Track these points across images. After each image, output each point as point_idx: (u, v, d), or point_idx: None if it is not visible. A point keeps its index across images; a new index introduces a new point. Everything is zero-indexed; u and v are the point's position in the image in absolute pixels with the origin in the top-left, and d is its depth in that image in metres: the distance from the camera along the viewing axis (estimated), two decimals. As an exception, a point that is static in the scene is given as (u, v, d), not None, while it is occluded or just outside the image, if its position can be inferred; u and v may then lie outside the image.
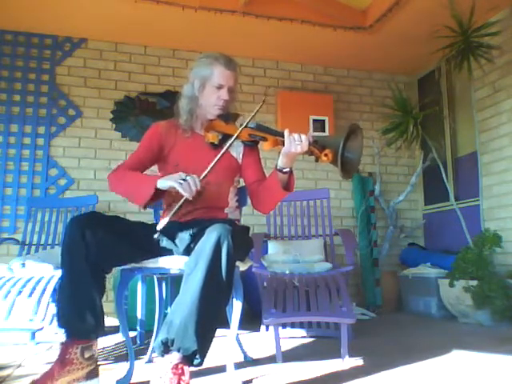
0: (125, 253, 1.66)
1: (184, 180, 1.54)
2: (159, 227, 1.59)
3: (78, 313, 1.52)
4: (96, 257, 1.53)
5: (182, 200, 1.57)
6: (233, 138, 1.70)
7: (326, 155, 1.58)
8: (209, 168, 1.62)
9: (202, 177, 1.60)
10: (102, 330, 1.58)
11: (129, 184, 1.71)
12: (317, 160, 1.63)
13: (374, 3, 3.68)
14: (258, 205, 1.86)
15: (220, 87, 1.82)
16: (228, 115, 1.84)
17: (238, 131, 1.70)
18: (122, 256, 1.66)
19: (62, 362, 1.47)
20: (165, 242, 1.74)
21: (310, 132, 1.65)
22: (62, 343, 1.51)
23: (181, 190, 1.53)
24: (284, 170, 1.67)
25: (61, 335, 1.54)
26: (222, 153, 1.66)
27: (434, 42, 3.41)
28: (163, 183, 1.59)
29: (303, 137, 1.59)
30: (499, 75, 3.67)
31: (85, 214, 1.67)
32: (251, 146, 1.86)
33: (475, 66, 3.48)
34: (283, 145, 1.62)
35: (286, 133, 1.60)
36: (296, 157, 1.65)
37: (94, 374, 1.55)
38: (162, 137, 1.88)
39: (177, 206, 1.59)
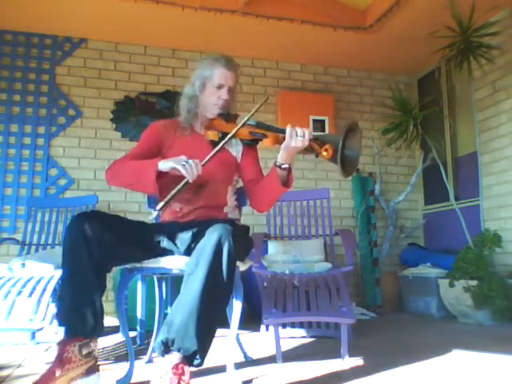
0: (126, 251, 1.67)
1: (186, 162, 1.54)
2: (158, 208, 1.56)
3: (78, 311, 1.52)
4: (97, 255, 1.53)
5: (183, 182, 1.55)
6: (232, 133, 1.68)
7: (326, 150, 1.57)
8: (210, 155, 1.61)
9: (203, 162, 1.58)
10: (101, 329, 1.58)
11: (130, 172, 1.70)
12: (317, 156, 1.62)
13: (374, 3, 3.68)
14: (255, 203, 1.86)
15: (220, 87, 1.84)
16: (228, 115, 1.85)
17: (238, 127, 1.69)
18: (122, 254, 1.67)
19: (62, 361, 1.47)
20: (165, 243, 1.74)
21: (311, 131, 1.64)
22: (59, 343, 1.51)
23: (183, 172, 1.53)
24: (283, 166, 1.67)
25: (60, 335, 1.54)
26: (221, 145, 1.64)
27: (434, 42, 3.41)
28: (164, 164, 1.58)
29: (306, 132, 1.59)
30: (499, 75, 3.67)
31: (86, 212, 1.68)
32: (250, 145, 1.86)
33: (475, 66, 3.48)
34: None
35: (289, 127, 1.60)
36: (296, 153, 1.64)
37: (93, 370, 1.55)
38: (161, 135, 1.89)
39: (176, 189, 1.54)
